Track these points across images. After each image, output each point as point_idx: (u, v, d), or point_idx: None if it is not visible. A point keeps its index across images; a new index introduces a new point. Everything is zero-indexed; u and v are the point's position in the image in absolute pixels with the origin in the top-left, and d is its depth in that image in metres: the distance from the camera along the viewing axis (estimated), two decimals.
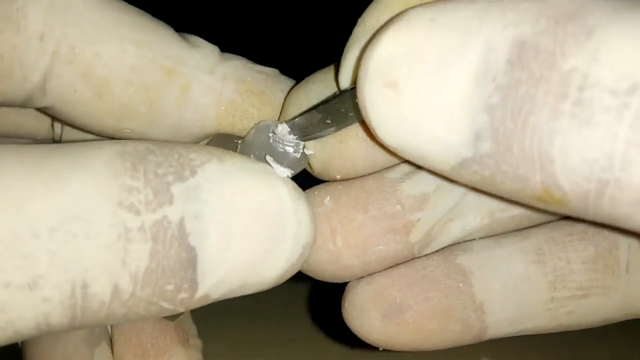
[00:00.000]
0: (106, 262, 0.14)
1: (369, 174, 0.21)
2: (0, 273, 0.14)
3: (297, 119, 0.20)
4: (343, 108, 0.18)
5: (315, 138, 0.20)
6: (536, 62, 0.13)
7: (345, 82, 0.19)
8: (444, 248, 0.20)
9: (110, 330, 0.25)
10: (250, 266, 0.16)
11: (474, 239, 0.20)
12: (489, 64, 0.14)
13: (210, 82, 0.21)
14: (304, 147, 0.20)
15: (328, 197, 0.20)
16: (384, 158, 0.20)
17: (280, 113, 0.21)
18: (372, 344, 0.20)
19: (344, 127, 0.19)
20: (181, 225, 0.15)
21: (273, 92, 0.22)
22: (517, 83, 0.13)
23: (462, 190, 0.20)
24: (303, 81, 0.21)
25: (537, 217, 0.21)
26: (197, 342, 0.26)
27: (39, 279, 0.14)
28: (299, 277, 0.19)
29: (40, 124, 0.24)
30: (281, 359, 0.42)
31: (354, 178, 0.21)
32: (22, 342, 0.26)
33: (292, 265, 0.17)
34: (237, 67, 0.21)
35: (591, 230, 0.20)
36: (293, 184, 0.17)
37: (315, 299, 0.47)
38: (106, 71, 0.19)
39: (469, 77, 0.14)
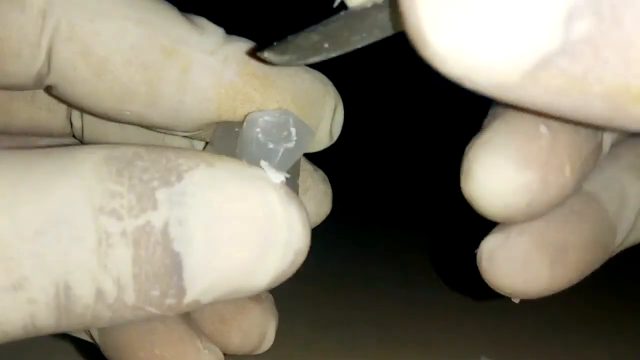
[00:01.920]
0: (89, 266, 0.14)
1: None
2: None
3: (291, 37, 0.17)
4: (347, 30, 0.16)
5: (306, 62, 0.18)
6: None
7: None
8: None
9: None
10: (239, 273, 0.16)
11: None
12: None
13: (210, 62, 0.20)
14: (296, 132, 0.19)
15: (542, 126, 0.17)
16: None
17: None
18: (529, 296, 0.18)
19: (343, 52, 0.17)
20: (165, 231, 0.15)
21: (278, 76, 0.21)
22: None
23: None
24: None
25: None
26: (267, 295, 0.26)
27: (24, 280, 0.14)
28: None
29: (54, 117, 0.24)
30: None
31: None
32: (99, 335, 0.25)
33: (284, 272, 0.16)
34: (241, 50, 0.21)
35: None
36: (285, 189, 0.16)
37: None
38: (105, 49, 0.19)
39: None
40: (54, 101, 0.24)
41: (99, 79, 0.19)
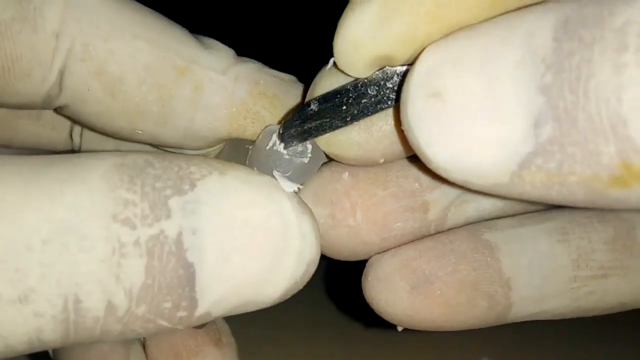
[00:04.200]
0: (100, 277, 0.14)
1: None
2: None
3: (312, 104, 0.18)
4: (365, 98, 0.17)
5: (322, 131, 0.18)
6: (585, 29, 0.12)
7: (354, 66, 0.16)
8: (466, 225, 0.20)
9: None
10: (252, 283, 0.15)
11: (495, 219, 0.20)
12: (535, 48, 0.13)
13: (222, 81, 0.20)
14: (312, 150, 0.19)
15: (346, 173, 0.19)
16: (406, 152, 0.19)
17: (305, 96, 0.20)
18: (394, 320, 0.19)
19: (356, 120, 0.18)
20: (179, 241, 0.14)
21: (287, 96, 0.21)
22: (569, 54, 0.12)
23: None
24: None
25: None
26: (230, 340, 0.25)
27: (30, 292, 0.13)
28: None
29: (58, 135, 0.24)
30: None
31: None
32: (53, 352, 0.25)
33: (296, 282, 0.16)
34: (251, 70, 0.21)
35: (611, 213, 0.19)
36: (298, 198, 0.16)
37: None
38: (119, 69, 0.19)
39: (516, 65, 0.13)
40: (59, 120, 0.23)
41: (112, 99, 0.19)
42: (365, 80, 0.17)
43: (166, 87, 0.19)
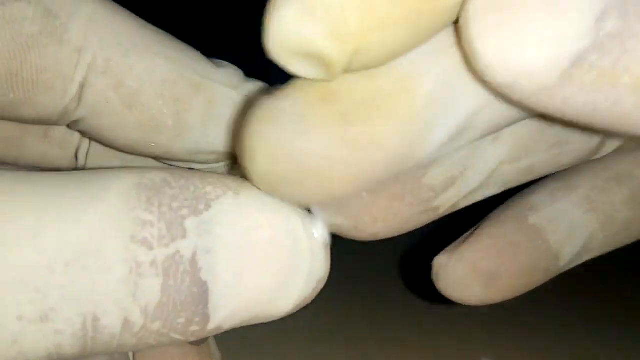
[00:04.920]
0: (117, 296, 0.14)
1: None
2: (14, 306, 0.13)
3: None
4: None
5: None
6: None
7: None
8: (509, 211, 0.22)
9: (131, 356, 0.24)
10: (263, 300, 0.16)
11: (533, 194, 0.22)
12: None
13: (233, 96, 0.21)
14: None
15: (364, 193, 0.20)
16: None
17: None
18: (469, 304, 0.22)
19: None
20: (193, 260, 0.15)
21: None
22: None
23: (488, 168, 0.21)
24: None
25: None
26: None
27: (50, 312, 0.14)
28: None
29: (64, 154, 0.24)
30: None
31: None
32: None
33: (305, 299, 0.16)
34: (260, 88, 0.22)
35: (624, 173, 0.21)
36: (309, 217, 0.16)
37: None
38: (137, 83, 0.20)
39: None
40: (66, 138, 0.24)
41: (129, 111, 0.20)
42: None
43: (182, 100, 0.20)
